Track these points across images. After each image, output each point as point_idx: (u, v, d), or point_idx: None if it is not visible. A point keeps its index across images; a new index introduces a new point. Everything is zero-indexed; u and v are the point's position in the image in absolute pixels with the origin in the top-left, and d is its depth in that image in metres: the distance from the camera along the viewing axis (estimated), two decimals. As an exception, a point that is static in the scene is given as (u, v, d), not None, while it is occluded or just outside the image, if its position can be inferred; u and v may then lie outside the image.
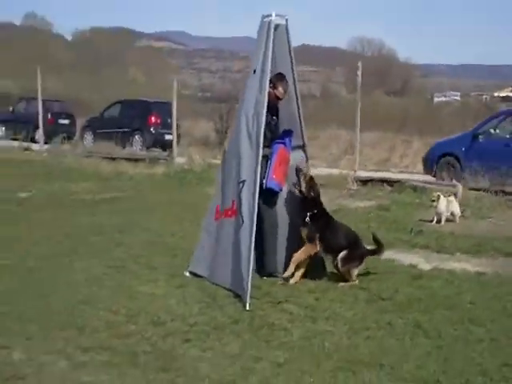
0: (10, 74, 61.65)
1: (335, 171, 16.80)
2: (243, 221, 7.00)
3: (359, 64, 16.87)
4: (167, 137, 23.93)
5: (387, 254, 8.88)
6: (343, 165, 21.32)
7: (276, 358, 5.42)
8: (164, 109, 24.78)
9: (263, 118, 7.05)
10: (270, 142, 7.63)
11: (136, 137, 26.26)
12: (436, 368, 5.19)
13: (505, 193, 13.40)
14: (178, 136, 25.60)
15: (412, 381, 4.99)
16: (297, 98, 7.72)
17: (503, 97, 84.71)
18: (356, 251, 7.69)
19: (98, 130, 27.48)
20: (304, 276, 7.65)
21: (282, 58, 7.57)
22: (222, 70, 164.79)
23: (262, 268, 7.85)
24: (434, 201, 11.29)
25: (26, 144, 23.90)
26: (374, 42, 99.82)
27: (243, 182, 7.10)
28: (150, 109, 26.57)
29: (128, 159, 20.07)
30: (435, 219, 11.28)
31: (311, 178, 7.76)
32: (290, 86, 7.63)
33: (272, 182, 7.51)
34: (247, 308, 6.58)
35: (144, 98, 28.66)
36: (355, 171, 15.99)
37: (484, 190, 13.60)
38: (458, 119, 42.86)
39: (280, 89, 7.53)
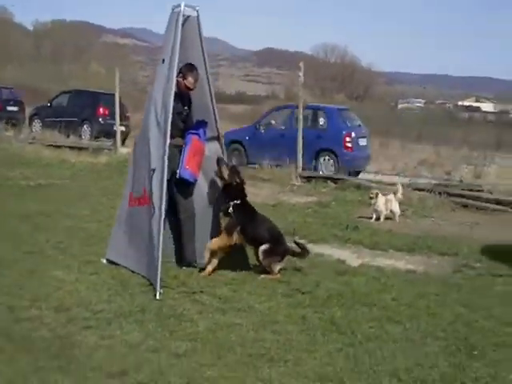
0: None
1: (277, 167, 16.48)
2: (154, 210, 6.69)
3: (301, 64, 16.51)
4: (116, 127, 23.44)
5: (317, 249, 8.72)
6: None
7: (176, 348, 5.14)
8: (113, 100, 24.37)
9: (170, 107, 6.80)
10: (183, 132, 7.42)
11: (84, 126, 25.83)
12: (343, 366, 4.92)
13: (449, 194, 13.24)
14: (127, 127, 25.28)
15: (314, 378, 4.71)
16: (210, 90, 7.47)
17: (467, 106, 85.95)
18: (278, 247, 7.39)
19: (46, 119, 26.93)
20: (223, 266, 7.34)
21: (193, 49, 7.32)
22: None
23: (181, 258, 7.56)
24: (371, 198, 11.06)
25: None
26: (338, 49, 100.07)
27: (153, 170, 6.83)
28: (98, 99, 26.10)
29: (72, 147, 19.60)
30: (374, 217, 11.06)
31: (234, 166, 7.50)
32: (203, 77, 7.37)
33: (185, 171, 7.25)
34: (157, 297, 6.29)
35: (94, 89, 28.24)
36: (298, 168, 15.68)
37: (428, 191, 13.43)
38: (417, 123, 43.34)
39: (190, 79, 7.27)
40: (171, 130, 7.07)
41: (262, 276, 7.22)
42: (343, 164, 17.65)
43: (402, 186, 11.90)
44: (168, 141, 6.78)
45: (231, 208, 7.25)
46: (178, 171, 7.25)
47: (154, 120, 7.02)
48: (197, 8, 7.13)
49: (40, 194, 12.00)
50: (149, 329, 5.52)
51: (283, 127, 19.74)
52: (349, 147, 18.45)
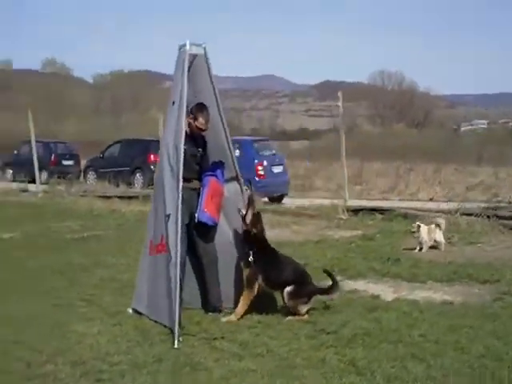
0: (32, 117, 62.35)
1: (327, 201, 16.23)
2: (171, 257, 6.58)
3: (339, 94, 16.40)
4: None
5: (353, 284, 8.46)
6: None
7: (182, 403, 4.95)
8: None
9: (181, 149, 6.69)
10: (199, 174, 7.30)
11: (137, 175, 26.14)
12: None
13: (498, 217, 12.75)
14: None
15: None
16: (224, 129, 7.27)
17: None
18: (304, 287, 7.14)
19: (99, 170, 27.40)
20: (249, 309, 7.13)
21: (203, 88, 7.20)
22: (248, 108, 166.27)
23: (206, 303, 7.41)
24: (414, 232, 10.74)
25: (23, 185, 23.74)
26: (395, 75, 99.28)
27: (168, 216, 6.71)
28: (149, 147, 26.29)
29: (121, 197, 19.75)
30: (418, 248, 10.70)
31: (258, 214, 7.30)
32: (215, 116, 7.21)
33: (204, 215, 7.11)
34: (175, 346, 6.13)
35: (144, 137, 28.70)
36: (346, 201, 15.44)
37: (476, 215, 12.96)
38: (479, 147, 42.33)
39: (200, 119, 7.13)
40: (187, 174, 7.00)
41: (288, 318, 6.99)
42: (257, 190, 18.37)
43: (446, 218, 11.52)
44: (181, 184, 6.66)
45: (251, 257, 7.08)
46: (196, 215, 7.14)
47: (167, 164, 6.94)
48: (203, 45, 7.02)
49: (82, 247, 12.03)
50: (160, 380, 5.37)
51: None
52: (261, 175, 20.37)
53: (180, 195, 6.62)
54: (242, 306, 7.05)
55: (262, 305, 7.23)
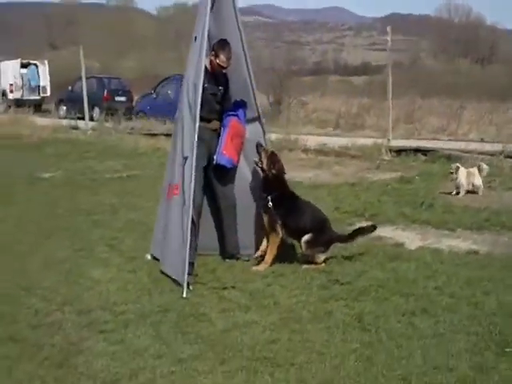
0: (95, 53, 62.83)
1: (371, 141, 15.81)
2: (185, 201, 6.40)
3: (388, 29, 15.94)
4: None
5: (379, 231, 8.20)
6: (395, 134, 20.43)
7: (181, 353, 4.89)
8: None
9: (200, 88, 6.42)
10: (219, 114, 7.05)
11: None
12: (351, 370, 4.51)
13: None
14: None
15: (316, 384, 4.32)
16: (247, 67, 6.93)
17: None
18: (321, 235, 6.94)
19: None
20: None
21: (229, 24, 6.86)
22: (311, 41, 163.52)
23: (224, 250, 7.28)
24: (452, 173, 10.31)
25: (73, 122, 23.85)
26: (462, 7, 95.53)
27: (185, 158, 6.50)
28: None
29: (167, 135, 19.64)
30: (454, 192, 10.32)
31: (272, 154, 7.04)
32: (239, 53, 6.87)
33: (223, 157, 6.88)
34: (184, 295, 6.04)
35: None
36: (388, 140, 15.02)
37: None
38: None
39: (222, 57, 6.78)
40: (207, 114, 6.82)
41: (305, 266, 6.83)
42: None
43: (490, 162, 11.05)
44: (197, 125, 6.43)
45: (270, 202, 6.88)
46: (214, 157, 6.95)
47: (186, 103, 6.70)
48: None
49: (118, 187, 12.02)
50: (162, 331, 5.31)
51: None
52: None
53: (196, 137, 6.40)
54: (270, 253, 6.91)
55: (283, 252, 7.08)
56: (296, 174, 12.81)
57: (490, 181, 10.94)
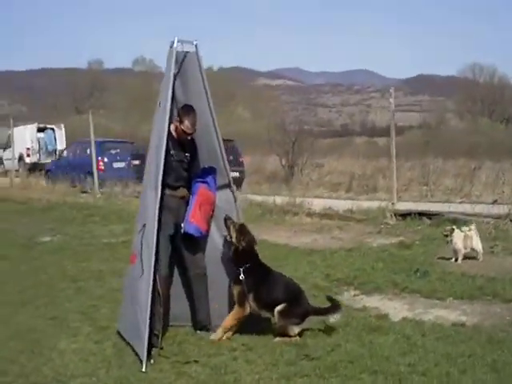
0: (120, 116, 63.76)
1: (375, 204, 15.48)
2: (143, 271, 6.14)
3: (391, 90, 15.70)
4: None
5: (365, 301, 7.91)
6: (407, 196, 20.15)
7: None
8: (226, 146, 24.38)
9: (162, 153, 6.22)
10: (187, 181, 6.83)
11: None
12: None
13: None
14: (242, 172, 25.14)
15: None
16: (216, 132, 6.73)
17: None
18: (296, 307, 6.59)
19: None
20: (240, 328, 6.68)
21: (195, 88, 6.68)
22: (338, 104, 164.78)
23: (195, 321, 6.97)
24: (446, 236, 9.92)
25: (83, 186, 23.88)
26: (487, 68, 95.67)
27: (144, 226, 6.28)
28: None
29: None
30: (453, 258, 9.91)
31: (241, 226, 6.76)
32: (207, 118, 6.67)
33: (190, 226, 6.64)
34: (143, 369, 5.73)
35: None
36: (393, 204, 14.70)
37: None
38: None
39: (186, 123, 6.58)
40: (174, 181, 6.68)
41: (277, 339, 6.48)
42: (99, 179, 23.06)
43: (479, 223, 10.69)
44: (159, 191, 6.22)
45: (241, 274, 6.60)
46: (182, 225, 6.71)
47: (149, 169, 6.55)
48: (195, 42, 6.55)
49: (110, 253, 11.83)
50: (111, 409, 5.01)
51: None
52: (101, 169, 25.22)
53: (157, 204, 6.18)
54: (229, 321, 6.61)
55: (254, 325, 6.76)
56: (294, 240, 12.61)
57: (492, 246, 10.54)
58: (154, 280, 6.17)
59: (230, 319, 6.62)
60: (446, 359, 5.73)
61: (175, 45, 6.37)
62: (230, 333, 6.62)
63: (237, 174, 24.21)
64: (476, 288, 8.14)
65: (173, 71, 6.40)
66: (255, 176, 27.84)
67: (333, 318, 6.71)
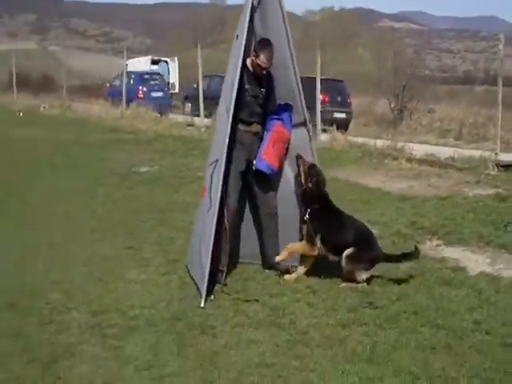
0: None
1: (479, 153, 14.77)
2: (211, 205, 6.07)
3: (501, 36, 14.74)
4: (336, 115, 23.05)
5: (447, 252, 7.59)
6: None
7: (167, 368, 4.60)
8: (335, 87, 24.05)
9: (235, 87, 6.07)
10: (261, 117, 6.65)
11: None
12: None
13: None
14: (349, 114, 24.69)
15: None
16: (294, 69, 6.47)
17: None
18: (365, 252, 6.39)
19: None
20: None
21: (273, 23, 6.42)
22: (462, 50, 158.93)
23: (264, 259, 6.89)
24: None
25: (190, 119, 24.07)
26: None
27: (216, 160, 6.18)
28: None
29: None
30: (552, 214, 9.33)
31: (311, 167, 6.56)
32: (286, 54, 6.42)
33: (262, 162, 6.49)
34: (201, 305, 5.72)
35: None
36: (496, 154, 13.98)
37: None
38: None
39: (262, 57, 6.34)
40: (248, 116, 6.56)
41: (343, 284, 6.31)
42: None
43: None
44: (229, 127, 6.11)
45: (307, 215, 6.43)
46: (254, 162, 6.59)
47: (223, 103, 6.43)
48: None
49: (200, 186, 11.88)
50: (163, 342, 5.04)
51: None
52: (140, 97, 29.27)
53: (227, 139, 6.08)
54: (295, 247, 6.57)
55: (322, 269, 6.62)
56: (389, 184, 12.22)
57: None
58: (222, 216, 6.13)
59: (296, 246, 6.56)
60: (517, 318, 5.41)
61: None
62: (300, 272, 6.54)
63: (343, 116, 23.89)
64: None
65: (250, 3, 6.18)
66: (364, 118, 27.29)
67: (404, 266, 6.47)
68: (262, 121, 6.67)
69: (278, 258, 6.53)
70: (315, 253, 6.47)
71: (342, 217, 6.62)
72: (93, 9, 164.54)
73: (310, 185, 6.46)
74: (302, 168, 6.50)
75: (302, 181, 6.50)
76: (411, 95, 26.49)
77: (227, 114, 6.17)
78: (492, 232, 8.36)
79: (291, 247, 6.53)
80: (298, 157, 6.56)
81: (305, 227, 6.51)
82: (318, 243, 6.43)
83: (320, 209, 6.47)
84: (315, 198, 6.49)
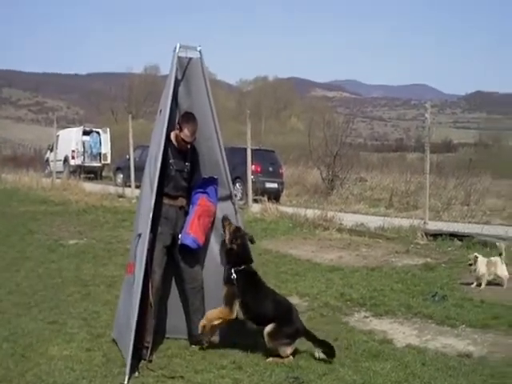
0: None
1: (408, 222, 15.02)
2: (134, 280, 5.98)
3: (427, 105, 15.32)
4: (268, 185, 23.24)
5: (374, 324, 7.62)
6: (447, 215, 19.67)
7: None
8: (266, 157, 24.30)
9: (158, 161, 6.07)
10: (186, 191, 6.66)
11: (237, 185, 25.61)
12: None
13: None
14: (281, 184, 24.90)
15: None
16: (218, 141, 6.55)
17: None
18: (286, 327, 6.32)
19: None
20: (231, 344, 6.50)
21: (198, 96, 6.52)
22: (394, 118, 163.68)
23: (190, 334, 6.77)
24: (470, 264, 9.50)
25: (120, 190, 23.92)
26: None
27: (139, 235, 6.12)
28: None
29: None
30: (475, 283, 9.49)
31: (237, 229, 6.54)
32: (210, 127, 6.51)
33: (187, 237, 6.46)
34: (125, 382, 5.56)
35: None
36: (425, 223, 14.25)
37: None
38: None
39: (185, 131, 6.40)
40: (173, 190, 6.55)
41: (269, 360, 6.22)
42: None
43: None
44: (153, 201, 6.06)
45: (233, 275, 6.37)
46: (179, 236, 6.53)
47: (147, 178, 6.40)
48: (198, 48, 6.38)
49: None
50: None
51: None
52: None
53: (150, 215, 6.02)
54: (213, 315, 6.44)
55: (248, 341, 6.56)
56: (319, 255, 12.28)
57: (516, 272, 10.06)
58: (146, 291, 6.03)
59: (214, 313, 6.44)
60: (440, 392, 5.40)
61: (177, 50, 6.20)
62: (213, 336, 6.52)
63: (275, 186, 24.08)
64: (492, 317, 7.72)
65: (173, 78, 6.23)
66: (296, 188, 27.56)
67: (317, 353, 6.36)
68: (187, 195, 6.66)
69: (199, 329, 6.42)
70: (233, 316, 6.38)
71: (264, 288, 6.58)
72: (26, 78, 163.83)
73: (234, 246, 6.41)
74: (227, 229, 6.47)
75: (227, 241, 6.45)
76: (342, 164, 26.92)
77: (151, 188, 6.13)
78: (420, 302, 8.45)
79: (210, 314, 6.45)
80: (225, 218, 6.54)
81: (224, 288, 6.43)
82: (238, 307, 6.35)
83: (244, 272, 6.41)
84: (240, 260, 6.44)
